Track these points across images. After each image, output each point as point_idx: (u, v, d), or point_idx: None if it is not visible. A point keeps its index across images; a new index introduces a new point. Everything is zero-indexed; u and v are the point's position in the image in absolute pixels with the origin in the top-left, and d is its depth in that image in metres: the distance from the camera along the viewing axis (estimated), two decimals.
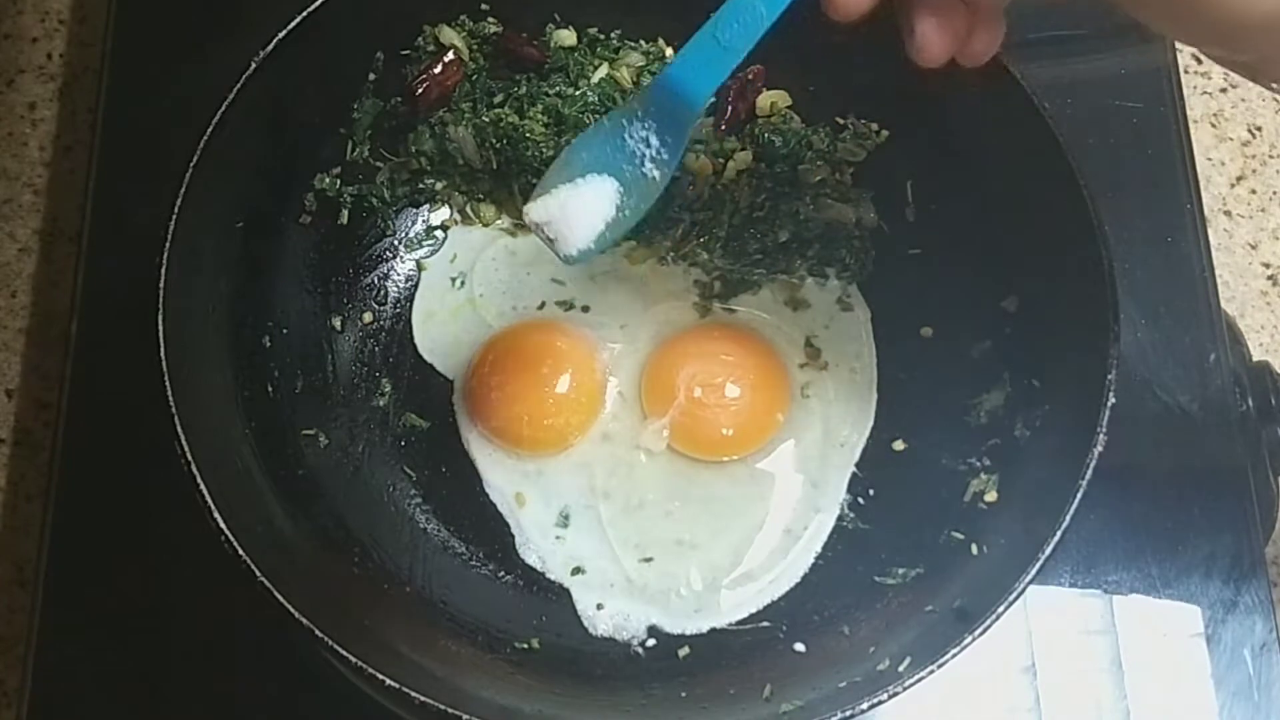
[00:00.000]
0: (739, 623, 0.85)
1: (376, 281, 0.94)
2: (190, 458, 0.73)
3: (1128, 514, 0.92)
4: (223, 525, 0.72)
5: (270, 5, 0.84)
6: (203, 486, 0.72)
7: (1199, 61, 1.15)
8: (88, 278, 0.95)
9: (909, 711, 0.85)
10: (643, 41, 0.95)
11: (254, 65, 0.82)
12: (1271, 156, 1.13)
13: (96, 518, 0.90)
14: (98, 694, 0.86)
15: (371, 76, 0.92)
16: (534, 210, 0.75)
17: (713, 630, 0.85)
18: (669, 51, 0.95)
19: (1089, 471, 0.75)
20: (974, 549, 0.80)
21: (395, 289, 0.94)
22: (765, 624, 0.85)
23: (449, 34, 0.92)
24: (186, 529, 0.73)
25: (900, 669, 0.71)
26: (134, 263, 0.76)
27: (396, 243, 0.95)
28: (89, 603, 0.88)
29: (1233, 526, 0.92)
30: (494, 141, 0.91)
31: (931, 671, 0.70)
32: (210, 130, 0.80)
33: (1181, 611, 0.90)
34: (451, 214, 0.96)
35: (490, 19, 0.93)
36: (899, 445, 0.89)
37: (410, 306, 0.94)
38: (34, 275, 1.01)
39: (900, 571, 0.82)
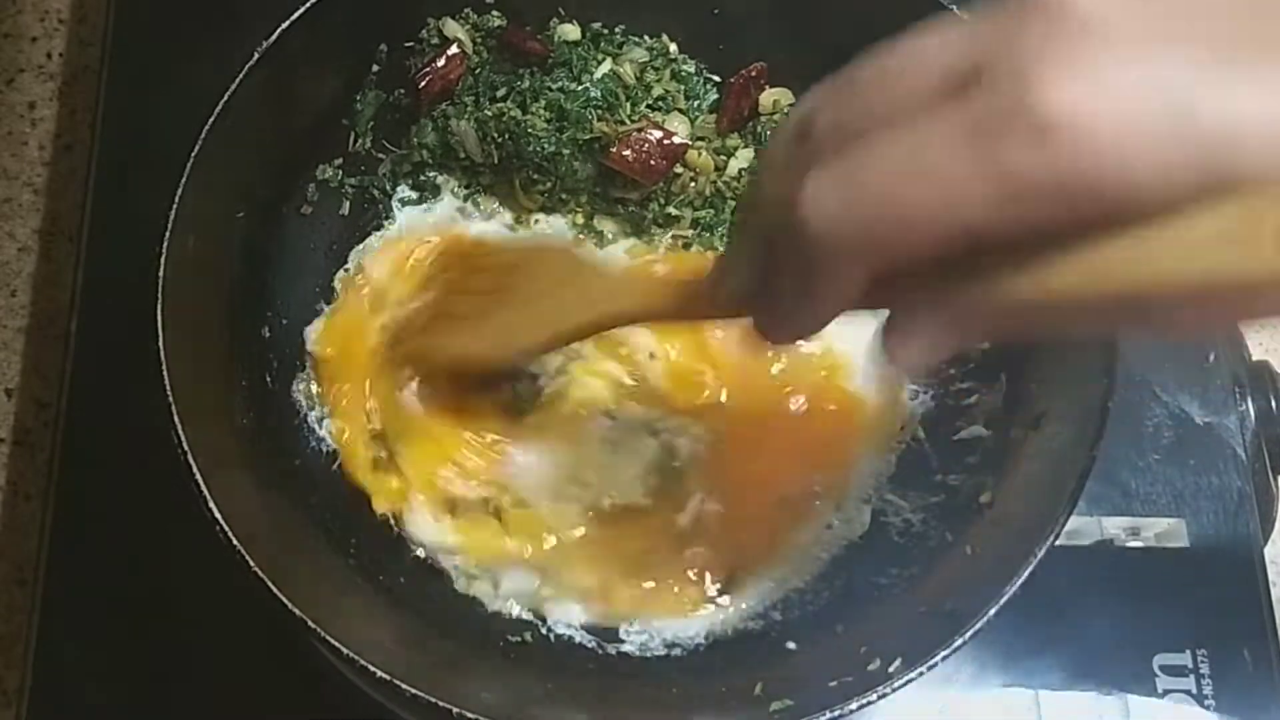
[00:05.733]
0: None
1: None
2: (186, 446, 0.73)
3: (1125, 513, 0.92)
4: (217, 514, 0.71)
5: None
6: (197, 473, 0.72)
7: None
8: (88, 277, 0.95)
9: (909, 711, 0.85)
10: (647, 37, 0.95)
11: (257, 55, 0.82)
12: None
13: (96, 517, 0.90)
14: (98, 694, 0.86)
15: (374, 68, 0.92)
16: None
17: (704, 628, 0.84)
18: (673, 47, 0.95)
19: (1087, 474, 0.75)
20: (968, 550, 0.79)
21: None
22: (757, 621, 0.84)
23: (453, 27, 0.92)
24: (186, 528, 0.73)
25: (891, 669, 0.71)
26: (134, 263, 0.76)
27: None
28: (89, 603, 0.88)
29: (1232, 527, 0.92)
30: (496, 136, 0.91)
31: (922, 673, 0.70)
32: (213, 119, 0.80)
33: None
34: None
35: (494, 12, 0.93)
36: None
37: None
38: (34, 275, 1.01)
39: (893, 571, 0.82)
